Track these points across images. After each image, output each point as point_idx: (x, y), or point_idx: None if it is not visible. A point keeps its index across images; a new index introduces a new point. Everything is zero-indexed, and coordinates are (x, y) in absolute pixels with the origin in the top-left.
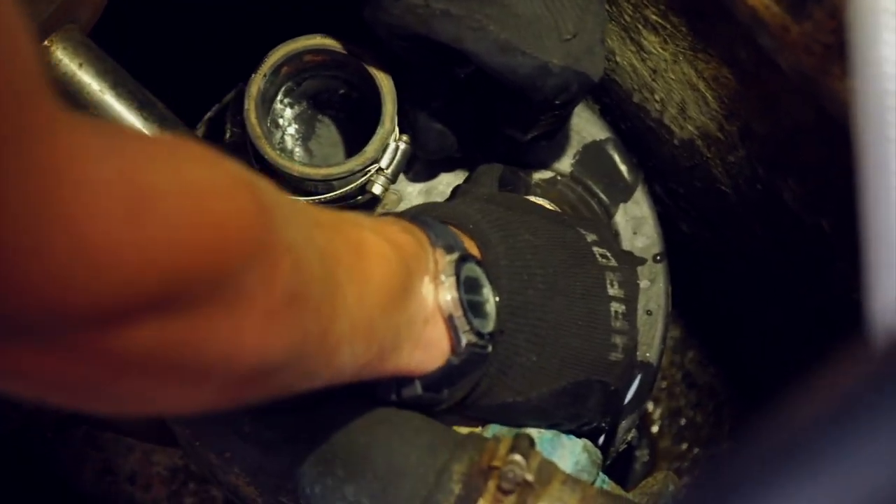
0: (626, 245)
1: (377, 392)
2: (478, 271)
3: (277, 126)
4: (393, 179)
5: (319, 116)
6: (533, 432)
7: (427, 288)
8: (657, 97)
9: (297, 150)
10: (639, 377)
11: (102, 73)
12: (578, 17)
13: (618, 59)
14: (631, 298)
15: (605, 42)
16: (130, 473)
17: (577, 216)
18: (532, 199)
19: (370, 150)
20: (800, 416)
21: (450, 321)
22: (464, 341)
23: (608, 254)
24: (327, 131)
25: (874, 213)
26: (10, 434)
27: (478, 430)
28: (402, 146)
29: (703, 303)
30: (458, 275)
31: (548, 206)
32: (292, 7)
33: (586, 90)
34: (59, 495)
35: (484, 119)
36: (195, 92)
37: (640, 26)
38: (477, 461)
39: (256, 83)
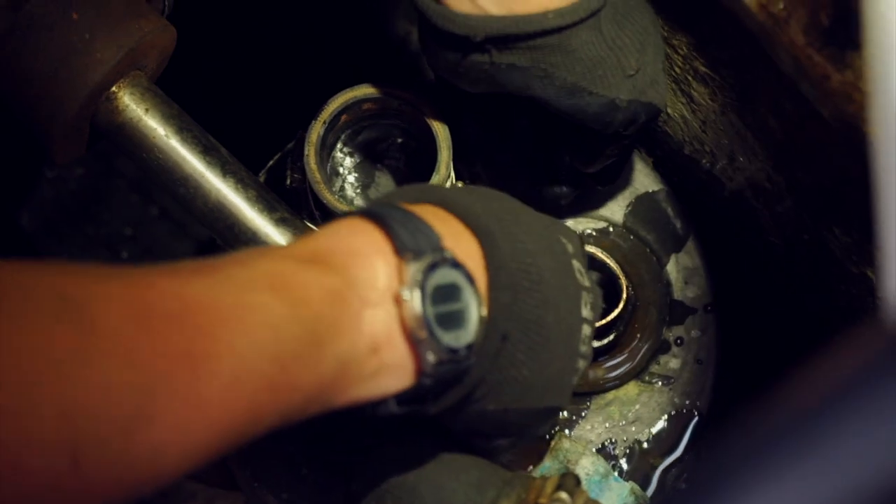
0: (677, 295)
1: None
2: (455, 275)
3: (338, 174)
4: None
5: (378, 165)
6: (581, 472)
7: (372, 317)
8: (707, 149)
9: (357, 198)
10: (692, 424)
11: (168, 118)
12: (639, 51)
13: (670, 111)
14: (594, 322)
15: (666, 69)
16: None
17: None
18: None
19: None
20: (810, 394)
21: (413, 341)
22: (430, 362)
23: (583, 270)
24: (386, 180)
25: (889, 201)
26: None
27: (528, 470)
28: None
29: (752, 351)
30: (423, 287)
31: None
32: (352, 58)
33: (654, 118)
34: None
35: (542, 169)
36: (258, 140)
37: (690, 78)
38: (524, 499)
39: (316, 130)
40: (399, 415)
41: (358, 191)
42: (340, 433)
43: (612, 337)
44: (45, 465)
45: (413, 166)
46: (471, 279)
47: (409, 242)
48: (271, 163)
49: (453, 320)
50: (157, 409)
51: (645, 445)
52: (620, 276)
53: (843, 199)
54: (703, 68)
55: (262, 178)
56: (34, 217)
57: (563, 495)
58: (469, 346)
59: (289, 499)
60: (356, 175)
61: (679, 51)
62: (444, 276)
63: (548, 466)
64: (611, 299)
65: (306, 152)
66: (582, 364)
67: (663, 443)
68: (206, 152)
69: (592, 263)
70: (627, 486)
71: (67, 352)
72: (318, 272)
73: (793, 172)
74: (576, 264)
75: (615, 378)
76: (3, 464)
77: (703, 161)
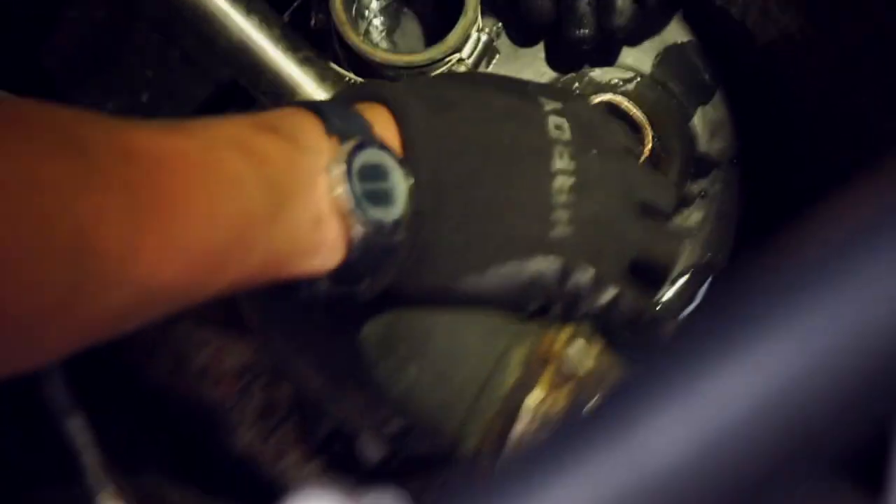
0: (703, 147)
1: (291, 292)
2: (382, 156)
3: (363, 17)
4: (474, 70)
5: (405, 10)
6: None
7: (321, 186)
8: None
9: (381, 42)
10: (710, 278)
11: None
12: None
13: None
14: (582, 170)
15: None
16: (201, 369)
17: (545, 85)
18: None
19: (452, 39)
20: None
21: (343, 214)
22: (358, 234)
23: (565, 125)
24: (412, 25)
25: None
26: None
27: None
28: (484, 37)
29: (777, 207)
30: (350, 164)
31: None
32: None
33: None
34: (128, 388)
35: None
36: None
37: None
38: (536, 348)
39: None
40: (332, 295)
41: (383, 34)
42: None
43: None
44: (50, 285)
45: (441, 12)
46: (399, 160)
47: (339, 125)
48: (296, 4)
49: (382, 197)
50: (147, 244)
51: (664, 298)
52: (645, 126)
53: (879, 55)
54: None
55: (286, 19)
56: (55, 57)
57: (580, 342)
58: (397, 222)
59: (301, 346)
60: (382, 18)
61: None
62: (372, 156)
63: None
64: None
65: None
66: (563, 213)
67: (682, 295)
68: None
69: (617, 112)
70: None
71: (71, 181)
72: (276, 138)
73: (827, 25)
74: (554, 120)
75: None
76: (4, 283)
77: (735, 13)
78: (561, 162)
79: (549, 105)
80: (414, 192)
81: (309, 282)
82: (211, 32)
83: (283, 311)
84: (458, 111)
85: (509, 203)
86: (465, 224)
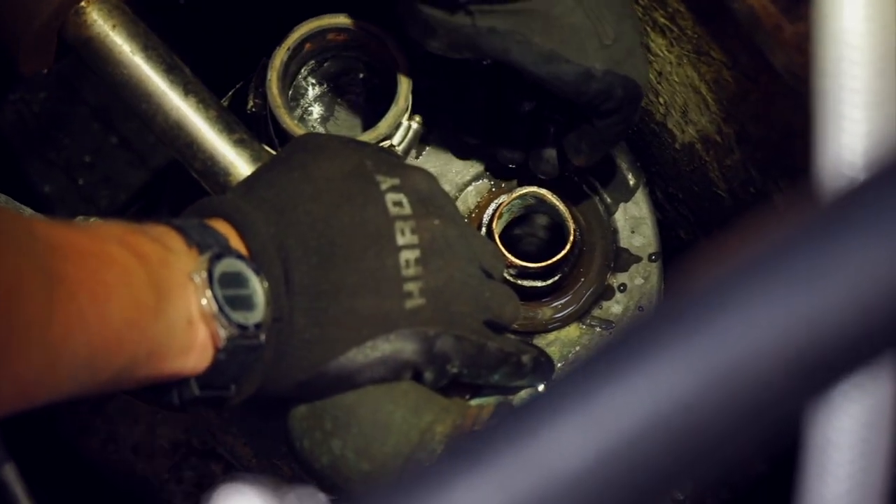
0: (623, 243)
1: (160, 397)
2: (239, 265)
3: (299, 104)
4: (403, 158)
5: (339, 100)
6: (517, 400)
7: (190, 291)
8: (661, 100)
9: (316, 128)
10: None
11: (134, 36)
12: (617, 22)
13: None
14: (426, 242)
15: (645, 49)
16: (134, 444)
17: (385, 157)
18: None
19: (383, 126)
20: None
21: (208, 318)
22: (223, 336)
23: (404, 200)
24: (346, 115)
25: (826, 65)
26: None
27: (466, 398)
28: (415, 126)
29: None
30: (210, 272)
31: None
32: None
33: (633, 96)
34: (65, 459)
35: (500, 110)
36: (223, 67)
37: (648, 29)
38: (459, 425)
39: (280, 56)
40: (200, 400)
41: (318, 122)
42: None
43: (557, 278)
44: None
45: (374, 104)
46: (255, 269)
47: (198, 239)
48: (238, 86)
49: (243, 303)
50: (58, 311)
51: None
52: (568, 219)
53: (789, 153)
54: (662, 19)
55: (226, 102)
56: None
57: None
58: (258, 325)
59: (230, 417)
60: (317, 107)
61: (639, 1)
62: (230, 265)
63: (484, 397)
64: (558, 242)
65: (269, 77)
66: (413, 286)
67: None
68: (170, 71)
69: (542, 206)
70: None
71: None
72: (152, 240)
73: (743, 126)
74: (392, 197)
75: (558, 319)
76: None
77: (657, 113)
78: (403, 238)
79: (387, 182)
80: (271, 297)
81: (179, 384)
82: (149, 111)
83: None
84: (297, 210)
85: (359, 286)
86: (319, 316)
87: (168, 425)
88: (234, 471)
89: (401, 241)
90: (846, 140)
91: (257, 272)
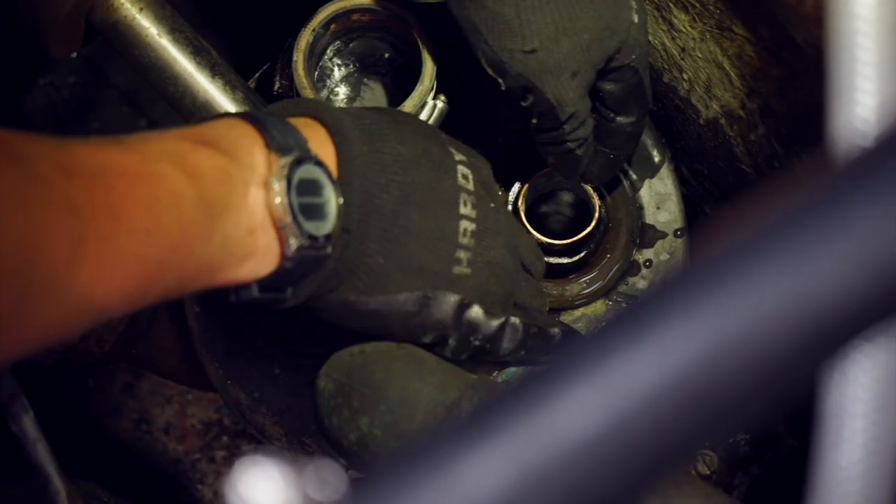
0: (648, 219)
1: (219, 293)
2: (317, 172)
3: (325, 84)
4: None
5: (366, 80)
6: None
7: (255, 198)
8: (685, 76)
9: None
10: None
11: (161, 19)
12: (551, 39)
13: (651, 37)
14: (481, 219)
15: (590, 81)
16: (166, 424)
17: (453, 138)
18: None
19: (408, 105)
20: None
21: (279, 226)
22: (293, 246)
23: (470, 176)
24: (372, 94)
25: (839, 37)
26: (47, 372)
27: (493, 375)
28: (440, 105)
29: None
30: (289, 178)
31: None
32: None
33: (545, 111)
34: (96, 440)
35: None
36: (250, 48)
37: (671, 4)
38: (486, 402)
39: (305, 37)
40: (256, 301)
41: (344, 102)
42: (308, 336)
43: (583, 254)
44: None
45: (399, 82)
46: (332, 178)
47: (280, 140)
48: (265, 67)
49: (315, 212)
50: (87, 255)
51: None
52: (593, 196)
53: (813, 127)
54: None
55: (253, 84)
56: (24, 124)
57: None
58: (328, 236)
59: (260, 397)
60: (343, 87)
61: None
62: (308, 171)
63: (512, 372)
64: (584, 218)
65: (294, 58)
66: (463, 254)
67: None
68: (197, 53)
69: (567, 183)
70: None
71: (12, 194)
72: (212, 152)
73: (766, 101)
74: (462, 170)
75: (585, 296)
76: None
77: (681, 89)
78: (465, 208)
79: (458, 155)
80: (342, 211)
81: (237, 288)
82: (176, 94)
83: (243, 366)
84: (388, 142)
85: (423, 237)
86: (385, 248)
87: (199, 405)
88: (264, 451)
89: (463, 210)
90: (858, 110)
91: (333, 181)
